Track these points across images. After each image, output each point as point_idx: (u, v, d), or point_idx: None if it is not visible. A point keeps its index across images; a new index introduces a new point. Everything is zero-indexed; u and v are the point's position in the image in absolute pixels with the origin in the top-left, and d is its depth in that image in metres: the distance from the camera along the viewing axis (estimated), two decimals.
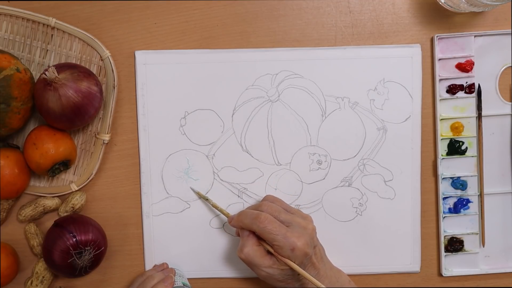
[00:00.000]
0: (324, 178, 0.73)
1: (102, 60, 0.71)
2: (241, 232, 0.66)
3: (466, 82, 0.73)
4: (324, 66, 0.72)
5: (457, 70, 0.73)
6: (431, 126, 0.73)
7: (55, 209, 0.72)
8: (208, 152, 0.73)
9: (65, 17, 0.71)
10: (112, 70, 0.70)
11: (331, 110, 0.73)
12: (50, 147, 0.67)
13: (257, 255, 0.64)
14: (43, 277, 0.71)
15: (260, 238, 0.65)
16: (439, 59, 0.73)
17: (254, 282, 0.74)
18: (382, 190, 0.73)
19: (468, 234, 0.74)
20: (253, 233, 0.65)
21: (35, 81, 0.68)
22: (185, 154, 0.73)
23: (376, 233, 0.74)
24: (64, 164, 0.68)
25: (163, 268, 0.71)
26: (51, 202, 0.71)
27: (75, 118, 0.66)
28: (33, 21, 0.70)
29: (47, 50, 0.71)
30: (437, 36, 0.72)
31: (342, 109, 0.73)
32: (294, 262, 0.63)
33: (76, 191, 0.72)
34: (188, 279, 0.73)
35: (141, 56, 0.72)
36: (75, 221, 0.68)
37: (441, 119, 0.73)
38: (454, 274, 0.74)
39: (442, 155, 0.73)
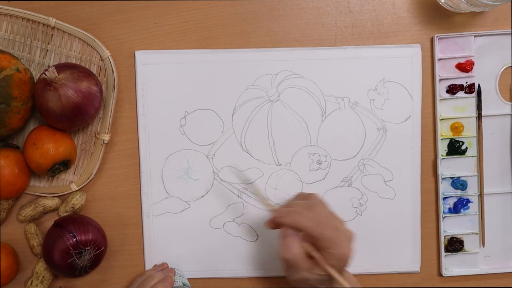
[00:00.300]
0: (324, 178, 0.73)
1: (102, 60, 0.71)
2: (286, 230, 0.61)
3: (466, 82, 0.73)
4: (324, 66, 0.72)
5: (457, 70, 0.73)
6: (431, 126, 0.73)
7: (55, 209, 0.72)
8: (208, 152, 0.73)
9: (65, 17, 0.71)
10: (112, 70, 0.70)
11: (331, 110, 0.73)
12: (50, 147, 0.67)
13: (301, 258, 0.59)
14: (43, 277, 0.71)
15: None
16: (439, 59, 0.73)
17: (254, 282, 0.74)
18: (382, 190, 0.73)
19: (468, 234, 0.74)
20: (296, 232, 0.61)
21: (35, 81, 0.68)
22: (185, 154, 0.73)
23: (376, 233, 0.74)
24: (64, 164, 0.68)
25: (163, 268, 0.71)
26: (51, 202, 0.71)
27: (75, 118, 0.66)
28: (33, 21, 0.70)
29: (47, 50, 0.71)
30: (437, 36, 0.72)
31: (342, 109, 0.73)
32: (336, 269, 0.59)
33: (76, 191, 0.72)
34: (188, 279, 0.73)
35: (141, 56, 0.72)
36: (75, 221, 0.68)
37: (441, 119, 0.73)
38: (454, 274, 0.74)
39: (442, 155, 0.73)
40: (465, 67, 0.72)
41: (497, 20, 0.73)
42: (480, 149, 0.73)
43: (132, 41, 0.72)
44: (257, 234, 0.73)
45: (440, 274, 0.74)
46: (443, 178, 0.73)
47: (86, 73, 0.66)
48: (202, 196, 0.73)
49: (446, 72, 0.73)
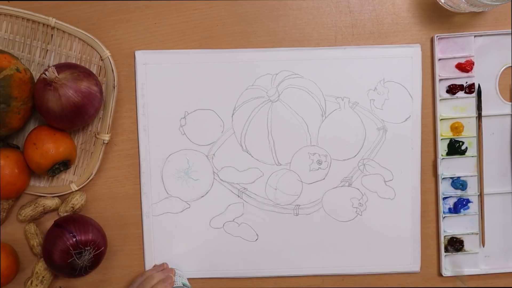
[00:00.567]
0: (324, 178, 0.73)
1: (102, 60, 0.71)
2: None
3: (466, 82, 0.73)
4: (324, 66, 0.72)
5: (457, 70, 0.73)
6: (431, 126, 0.73)
7: (55, 209, 0.72)
8: (208, 152, 0.73)
9: (65, 17, 0.71)
10: (112, 70, 0.70)
11: (331, 110, 0.73)
12: (50, 147, 0.67)
13: None
14: (43, 277, 0.71)
15: None
16: (439, 59, 0.73)
17: (254, 282, 0.74)
18: (382, 190, 0.73)
19: (468, 234, 0.74)
20: None
21: (35, 81, 0.68)
22: (185, 154, 0.73)
23: (376, 233, 0.74)
24: (64, 164, 0.68)
25: (163, 268, 0.71)
26: (51, 202, 0.71)
27: (75, 118, 0.66)
28: (33, 21, 0.70)
29: (47, 50, 0.71)
30: (437, 36, 0.72)
31: (342, 109, 0.73)
32: None
33: (76, 191, 0.72)
34: (188, 279, 0.73)
35: (141, 56, 0.72)
36: (75, 221, 0.68)
37: (441, 119, 0.73)
38: (454, 274, 0.74)
39: (442, 155, 0.73)
40: (465, 67, 0.72)
41: (497, 20, 0.73)
42: (480, 149, 0.73)
43: (132, 41, 0.72)
44: (257, 234, 0.73)
45: (440, 274, 0.74)
46: (443, 178, 0.73)
47: (86, 73, 0.66)
48: (202, 196, 0.73)
49: (446, 72, 0.73)
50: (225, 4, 0.72)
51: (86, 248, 0.67)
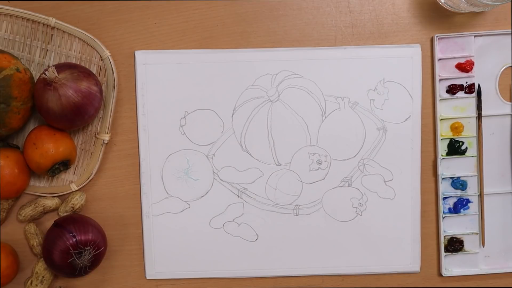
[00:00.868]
0: (324, 178, 0.73)
1: (102, 60, 0.71)
2: None
3: (466, 82, 0.73)
4: (324, 66, 0.72)
5: (457, 70, 0.73)
6: (431, 126, 0.73)
7: (55, 209, 0.72)
8: (208, 152, 0.73)
9: (65, 17, 0.71)
10: (112, 70, 0.70)
11: (331, 110, 0.73)
12: (50, 147, 0.67)
13: None
14: (43, 277, 0.71)
15: None
16: (439, 59, 0.73)
17: (254, 282, 0.74)
18: (382, 190, 0.73)
19: (468, 234, 0.74)
20: None
21: (35, 81, 0.68)
22: (185, 154, 0.73)
23: (376, 233, 0.74)
24: (64, 164, 0.68)
25: None
26: (51, 202, 0.71)
27: (75, 118, 0.66)
28: (33, 21, 0.70)
29: (47, 50, 0.71)
30: (437, 36, 0.72)
31: (342, 109, 0.73)
32: None
33: (76, 191, 0.72)
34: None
35: (141, 56, 0.72)
36: (75, 221, 0.68)
37: (441, 119, 0.73)
38: (454, 274, 0.74)
39: (442, 155, 0.73)
40: (465, 67, 0.72)
41: (497, 20, 0.73)
42: (480, 149, 0.73)
43: (132, 41, 0.72)
44: (257, 234, 0.73)
45: (440, 274, 0.74)
46: (443, 178, 0.73)
47: (86, 73, 0.66)
48: (202, 196, 0.73)
49: (446, 72, 0.73)
50: (225, 4, 0.72)
51: (86, 248, 0.67)
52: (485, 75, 0.73)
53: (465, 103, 0.73)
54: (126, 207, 0.73)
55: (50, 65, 0.70)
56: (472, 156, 0.74)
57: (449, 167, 0.74)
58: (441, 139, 0.73)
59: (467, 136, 0.73)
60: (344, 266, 0.74)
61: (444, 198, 0.74)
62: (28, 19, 0.70)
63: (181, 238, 0.73)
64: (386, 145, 0.73)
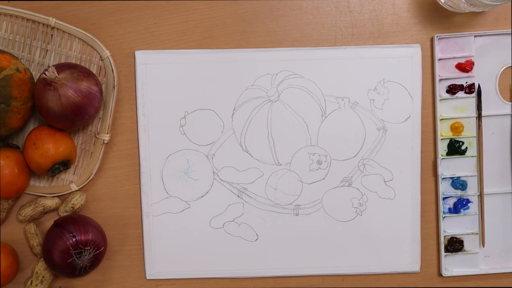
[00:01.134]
0: (324, 178, 0.73)
1: (102, 60, 0.71)
2: None
3: (466, 82, 0.73)
4: (324, 66, 0.72)
5: (457, 70, 0.73)
6: (431, 126, 0.73)
7: (55, 209, 0.72)
8: (208, 152, 0.73)
9: (65, 17, 0.71)
10: (112, 70, 0.70)
11: (331, 110, 0.73)
12: (50, 147, 0.67)
13: None
14: (43, 277, 0.71)
15: None
16: (439, 59, 0.73)
17: (254, 282, 0.74)
18: (382, 190, 0.73)
19: (468, 234, 0.74)
20: None
21: (35, 81, 0.68)
22: (185, 154, 0.73)
23: (376, 233, 0.74)
24: (64, 164, 0.68)
25: None
26: (51, 202, 0.71)
27: (75, 118, 0.66)
28: (33, 21, 0.70)
29: (47, 50, 0.71)
30: (437, 36, 0.72)
31: (342, 109, 0.73)
32: None
33: (76, 191, 0.72)
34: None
35: (141, 56, 0.72)
36: (75, 221, 0.68)
37: (441, 119, 0.73)
38: (454, 274, 0.74)
39: (442, 155, 0.73)
40: (465, 67, 0.72)
41: (497, 20, 0.73)
42: (480, 149, 0.73)
43: (132, 41, 0.72)
44: (257, 234, 0.73)
45: (440, 274, 0.74)
46: (443, 178, 0.73)
47: (86, 73, 0.66)
48: (202, 196, 0.73)
49: (446, 72, 0.73)
50: (225, 4, 0.72)
51: (86, 248, 0.67)
52: (485, 75, 0.73)
53: (465, 103, 0.73)
54: (126, 207, 0.73)
55: (50, 65, 0.70)
56: (472, 156, 0.74)
57: (449, 167, 0.74)
58: (441, 139, 0.73)
59: (467, 136, 0.73)
60: (344, 266, 0.74)
61: (444, 198, 0.74)
62: (28, 19, 0.70)
63: (181, 238, 0.73)
64: (386, 145, 0.73)
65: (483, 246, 0.74)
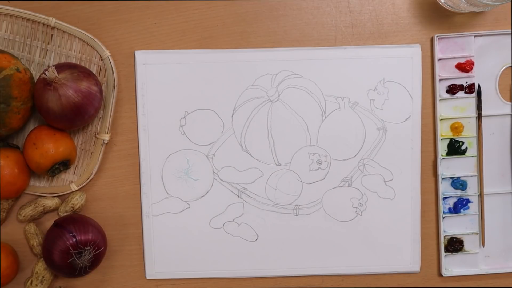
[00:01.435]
0: (324, 178, 0.73)
1: (102, 60, 0.71)
2: None
3: (466, 82, 0.73)
4: (324, 66, 0.72)
5: (457, 70, 0.73)
6: (431, 126, 0.73)
7: (55, 209, 0.72)
8: (208, 152, 0.73)
9: (65, 17, 0.71)
10: (112, 70, 0.70)
11: (331, 110, 0.73)
12: (50, 147, 0.67)
13: None
14: (43, 277, 0.71)
15: None
16: (439, 59, 0.73)
17: (254, 282, 0.74)
18: (382, 190, 0.73)
19: (468, 234, 0.74)
20: None
21: (35, 81, 0.68)
22: (185, 154, 0.73)
23: (376, 233, 0.74)
24: (64, 164, 0.68)
25: None
26: (51, 202, 0.71)
27: (75, 118, 0.66)
28: (33, 21, 0.70)
29: (47, 50, 0.71)
30: (437, 36, 0.72)
31: (342, 109, 0.73)
32: None
33: (76, 191, 0.72)
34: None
35: (141, 56, 0.72)
36: (75, 221, 0.68)
37: (441, 119, 0.73)
38: (454, 274, 0.74)
39: (442, 155, 0.73)
40: (465, 67, 0.72)
41: (497, 20, 0.73)
42: (480, 149, 0.73)
43: (132, 41, 0.72)
44: (257, 234, 0.73)
45: (440, 274, 0.74)
46: (443, 178, 0.73)
47: (86, 73, 0.66)
48: (202, 196, 0.73)
49: (446, 72, 0.73)
50: (225, 4, 0.72)
51: (86, 248, 0.67)
52: (485, 75, 0.73)
53: (465, 103, 0.73)
54: (126, 207, 0.73)
55: (50, 65, 0.70)
56: (472, 156, 0.74)
57: (449, 167, 0.74)
58: (441, 139, 0.73)
59: (467, 136, 0.73)
60: (344, 266, 0.74)
61: (444, 198, 0.74)
62: (28, 19, 0.70)
63: (181, 238, 0.73)
64: (386, 145, 0.73)
65: (483, 246, 0.74)
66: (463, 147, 0.73)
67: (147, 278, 0.74)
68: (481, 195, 0.74)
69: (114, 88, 0.71)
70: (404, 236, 0.74)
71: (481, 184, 0.74)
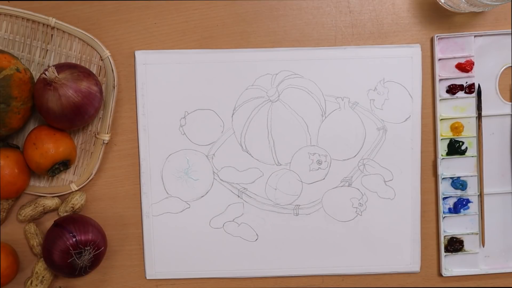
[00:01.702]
0: (324, 178, 0.73)
1: (102, 60, 0.71)
2: None
3: (466, 82, 0.73)
4: (324, 66, 0.72)
5: (457, 70, 0.73)
6: (431, 126, 0.73)
7: (55, 209, 0.72)
8: (208, 152, 0.73)
9: (65, 17, 0.71)
10: (112, 70, 0.70)
11: (331, 110, 0.73)
12: (50, 147, 0.67)
13: None
14: (43, 277, 0.71)
15: None
16: (439, 59, 0.73)
17: (254, 282, 0.74)
18: (382, 190, 0.73)
19: (468, 234, 0.74)
20: None
21: (35, 81, 0.68)
22: (185, 154, 0.73)
23: (376, 233, 0.74)
24: (64, 164, 0.68)
25: None
26: (51, 202, 0.71)
27: (75, 118, 0.66)
28: (33, 21, 0.70)
29: (47, 50, 0.71)
30: (437, 36, 0.72)
31: (342, 109, 0.73)
32: None
33: (76, 191, 0.72)
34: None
35: (141, 56, 0.72)
36: (75, 221, 0.68)
37: (441, 119, 0.73)
38: (454, 274, 0.74)
39: (442, 155, 0.73)
40: (465, 67, 0.72)
41: (497, 20, 0.73)
42: (480, 149, 0.73)
43: (132, 41, 0.72)
44: (257, 234, 0.73)
45: (440, 274, 0.74)
46: (443, 178, 0.73)
47: (86, 73, 0.66)
48: (202, 196, 0.73)
49: (446, 72, 0.73)
50: (225, 4, 0.72)
51: (86, 248, 0.67)
52: (485, 75, 0.73)
53: (465, 103, 0.73)
54: (126, 207, 0.73)
55: (50, 65, 0.70)
56: (472, 156, 0.74)
57: (449, 167, 0.74)
58: (441, 139, 0.73)
59: (467, 136, 0.73)
60: (344, 266, 0.74)
61: (444, 198, 0.74)
62: (28, 19, 0.70)
63: (181, 238, 0.73)
64: (386, 145, 0.73)
65: (483, 246, 0.74)
66: (463, 147, 0.73)
67: (147, 278, 0.74)
68: (481, 195, 0.74)
69: (114, 88, 0.71)
70: (404, 236, 0.74)
71: (481, 184, 0.74)
